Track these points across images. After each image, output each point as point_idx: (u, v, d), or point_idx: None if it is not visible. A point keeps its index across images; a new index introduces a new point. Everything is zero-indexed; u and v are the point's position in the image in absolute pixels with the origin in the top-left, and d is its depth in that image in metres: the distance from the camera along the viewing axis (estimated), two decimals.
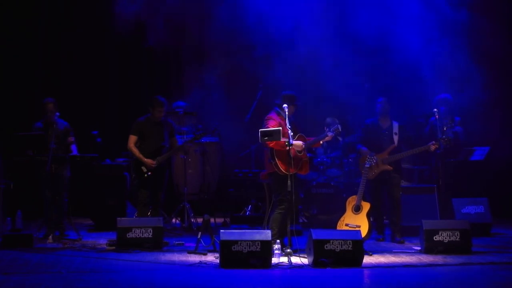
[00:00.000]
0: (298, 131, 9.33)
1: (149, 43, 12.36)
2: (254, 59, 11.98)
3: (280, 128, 8.90)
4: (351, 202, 9.84)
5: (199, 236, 9.21)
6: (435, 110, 10.34)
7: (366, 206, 9.76)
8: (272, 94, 11.46)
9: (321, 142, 9.69)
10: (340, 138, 11.96)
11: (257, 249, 8.17)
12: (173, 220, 11.61)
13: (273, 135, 8.87)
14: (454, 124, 10.96)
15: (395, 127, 10.26)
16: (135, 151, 10.19)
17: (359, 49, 11.81)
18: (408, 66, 11.64)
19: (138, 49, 13.11)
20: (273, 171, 9.16)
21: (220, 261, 8.22)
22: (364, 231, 9.46)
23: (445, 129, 10.25)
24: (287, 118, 9.04)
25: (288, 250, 8.62)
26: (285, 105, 9.13)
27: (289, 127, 8.95)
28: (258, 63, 11.99)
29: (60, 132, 10.27)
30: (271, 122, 9.16)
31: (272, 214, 9.22)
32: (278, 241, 8.74)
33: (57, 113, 10.20)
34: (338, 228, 9.72)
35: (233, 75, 12.86)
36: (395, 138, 10.20)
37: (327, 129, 9.57)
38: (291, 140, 8.84)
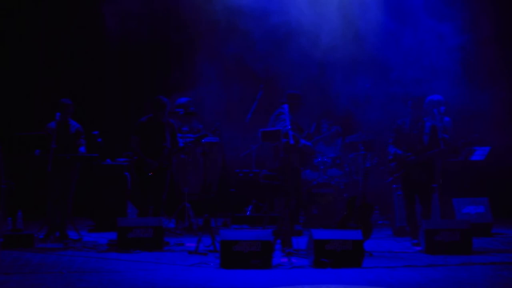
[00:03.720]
0: (303, 129, 9.39)
1: (148, 41, 12.41)
2: (255, 58, 12.00)
3: (281, 129, 8.94)
4: (351, 202, 9.84)
5: (199, 236, 9.22)
6: (436, 109, 10.33)
7: (367, 207, 9.75)
8: (273, 93, 11.51)
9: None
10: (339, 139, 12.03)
11: (258, 249, 8.18)
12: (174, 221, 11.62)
13: (274, 135, 8.89)
14: (444, 124, 10.98)
15: (427, 127, 10.01)
16: (137, 151, 10.21)
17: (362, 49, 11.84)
18: (405, 65, 11.65)
19: (138, 48, 13.12)
20: (284, 165, 9.16)
21: (220, 261, 8.23)
22: (364, 231, 9.45)
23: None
24: (287, 117, 9.07)
25: (289, 250, 8.63)
26: (285, 105, 9.18)
27: (289, 127, 8.97)
28: (259, 62, 12.02)
29: (71, 134, 10.25)
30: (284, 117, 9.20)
31: (287, 213, 9.19)
32: (278, 240, 8.75)
33: (58, 113, 10.17)
34: (338, 228, 9.72)
35: (234, 75, 12.87)
36: (426, 138, 10.00)
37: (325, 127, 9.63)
38: (291, 140, 8.87)
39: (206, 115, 12.29)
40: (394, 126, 10.20)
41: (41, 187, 10.40)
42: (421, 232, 9.32)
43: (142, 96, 12.89)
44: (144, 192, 10.23)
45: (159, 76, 13.43)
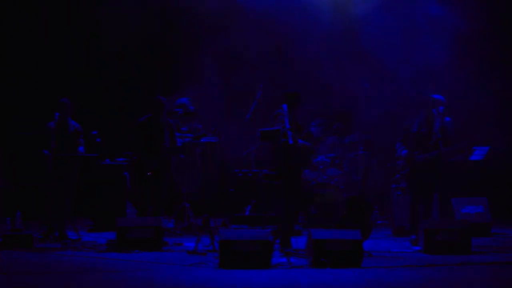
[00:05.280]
0: (303, 129, 9.40)
1: (147, 40, 12.41)
2: (255, 58, 12.01)
3: (280, 128, 8.94)
4: (351, 202, 9.84)
5: (198, 236, 9.22)
6: (434, 109, 10.30)
7: (366, 207, 9.75)
8: (273, 93, 11.50)
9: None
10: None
11: (257, 249, 8.18)
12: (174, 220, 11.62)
13: (273, 135, 8.90)
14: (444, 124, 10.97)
15: (437, 126, 9.92)
16: (136, 151, 10.22)
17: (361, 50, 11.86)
18: (404, 65, 11.66)
19: (138, 48, 13.13)
20: (283, 165, 9.17)
21: (219, 261, 8.23)
22: (364, 231, 9.45)
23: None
24: (286, 118, 9.08)
25: (288, 250, 8.63)
26: (284, 105, 9.19)
27: (289, 126, 8.98)
28: (259, 62, 12.04)
29: (70, 134, 10.26)
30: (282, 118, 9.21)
31: (286, 213, 9.20)
32: (277, 240, 8.76)
33: (57, 113, 10.18)
34: (338, 228, 9.72)
35: (233, 74, 12.89)
36: (434, 138, 9.89)
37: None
38: (290, 140, 8.87)
39: (205, 115, 12.30)
40: (403, 125, 10.18)
41: (40, 187, 10.40)
42: (421, 232, 9.31)
43: (142, 96, 12.90)
44: (144, 192, 10.23)
45: (159, 76, 13.44)
